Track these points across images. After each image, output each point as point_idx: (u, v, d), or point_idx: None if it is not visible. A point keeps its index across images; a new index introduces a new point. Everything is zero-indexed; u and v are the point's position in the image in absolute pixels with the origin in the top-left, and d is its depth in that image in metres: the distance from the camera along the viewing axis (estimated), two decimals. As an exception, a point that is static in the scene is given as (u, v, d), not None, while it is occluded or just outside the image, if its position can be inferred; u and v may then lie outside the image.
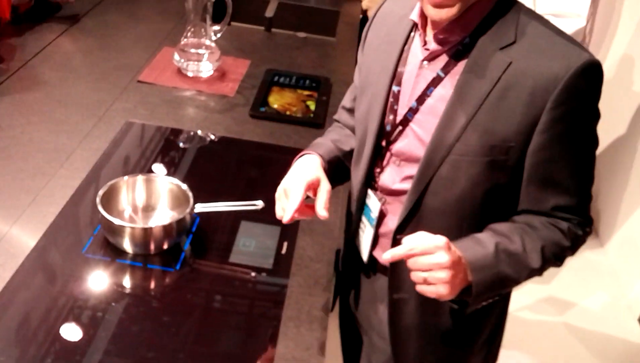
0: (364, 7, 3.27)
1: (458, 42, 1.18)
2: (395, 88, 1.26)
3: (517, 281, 1.20)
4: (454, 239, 1.14)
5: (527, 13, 1.17)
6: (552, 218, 1.22)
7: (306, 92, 2.25)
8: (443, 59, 1.20)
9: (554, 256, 1.22)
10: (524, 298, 2.86)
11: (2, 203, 1.56)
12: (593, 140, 1.20)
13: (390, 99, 1.27)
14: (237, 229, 1.55)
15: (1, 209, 1.54)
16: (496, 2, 1.16)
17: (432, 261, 1.09)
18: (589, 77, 1.12)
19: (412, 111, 1.23)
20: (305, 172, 1.29)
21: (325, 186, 1.27)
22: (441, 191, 1.20)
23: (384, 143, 1.29)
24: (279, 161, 1.90)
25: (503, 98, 1.13)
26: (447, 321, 1.33)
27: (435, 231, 1.12)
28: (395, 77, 1.27)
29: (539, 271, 1.21)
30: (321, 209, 1.23)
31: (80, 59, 2.30)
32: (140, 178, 1.56)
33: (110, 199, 1.49)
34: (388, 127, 1.27)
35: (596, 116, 1.18)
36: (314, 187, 1.27)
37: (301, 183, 1.25)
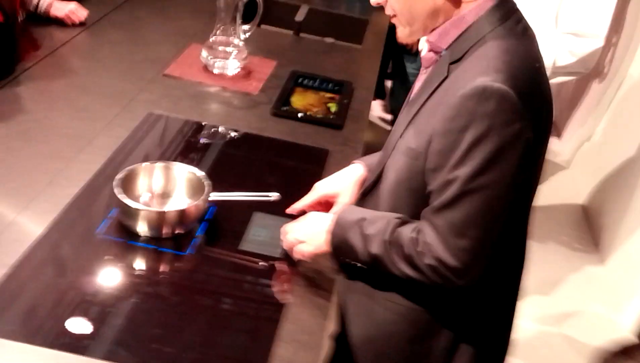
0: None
1: (441, 51, 1.24)
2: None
3: (357, 255, 1.29)
4: None
5: (495, 36, 1.17)
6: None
7: (328, 95, 2.26)
8: (432, 67, 1.28)
9: (400, 258, 1.23)
10: (524, 309, 2.85)
11: (20, 182, 1.58)
12: (477, 166, 1.12)
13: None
14: (250, 219, 1.56)
15: (19, 188, 1.56)
16: (476, 21, 1.19)
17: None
18: (478, 99, 1.10)
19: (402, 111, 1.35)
20: (330, 184, 1.50)
21: (342, 201, 1.46)
22: (385, 179, 1.31)
23: None
24: (296, 158, 1.91)
25: (429, 108, 1.21)
26: (391, 313, 1.34)
27: (382, 209, 1.31)
28: None
29: (378, 259, 1.26)
30: None
31: (108, 51, 2.33)
32: (158, 165, 1.58)
33: (127, 184, 1.51)
34: None
35: (485, 141, 1.10)
36: (329, 199, 1.48)
37: (317, 193, 1.49)
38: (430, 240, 1.19)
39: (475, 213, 1.15)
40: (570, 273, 3.18)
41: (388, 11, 1.27)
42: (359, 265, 1.32)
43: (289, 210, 1.51)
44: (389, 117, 3.93)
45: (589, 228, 3.51)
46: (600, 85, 3.82)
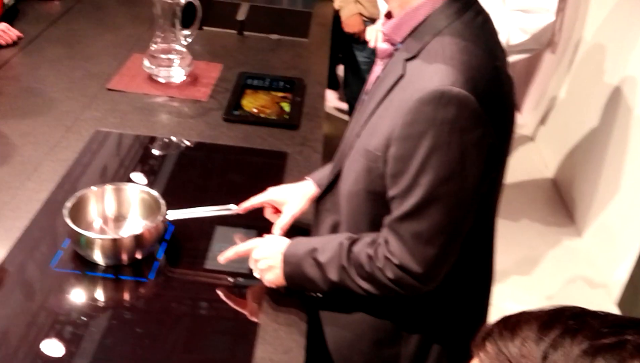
0: (336, 7, 3.24)
1: (396, 44, 1.20)
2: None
3: (317, 285, 1.27)
4: (351, 228, 1.26)
5: (452, 32, 1.12)
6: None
7: (280, 94, 2.20)
8: (387, 59, 1.24)
9: (362, 278, 1.21)
10: (505, 290, 2.85)
11: (-35, 219, 1.50)
12: (439, 174, 1.09)
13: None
14: (212, 234, 1.50)
15: (-35, 225, 1.48)
16: (431, 14, 1.14)
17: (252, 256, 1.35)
18: (436, 105, 1.06)
19: (359, 105, 1.32)
20: (281, 192, 1.49)
21: (289, 210, 1.45)
22: (344, 179, 1.27)
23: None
24: (253, 164, 1.86)
25: (386, 108, 1.15)
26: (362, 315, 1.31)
27: (342, 212, 1.28)
28: None
29: (340, 284, 1.23)
30: (276, 228, 1.43)
31: (47, 69, 2.23)
32: (109, 188, 1.51)
33: (78, 211, 1.44)
34: None
35: (446, 148, 1.07)
36: (276, 205, 1.49)
37: (266, 196, 1.50)
38: (395, 250, 1.16)
39: (440, 220, 1.12)
40: (547, 249, 3.17)
41: None
42: (316, 295, 1.30)
43: (238, 208, 1.50)
44: (345, 106, 3.89)
45: (562, 201, 3.51)
46: (554, 55, 3.83)
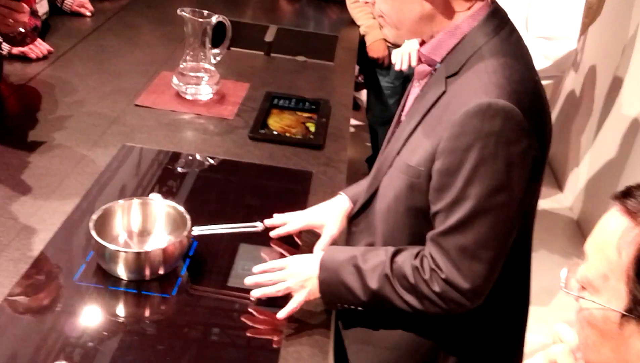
0: (362, 33, 3.25)
1: (435, 64, 1.20)
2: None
3: (355, 293, 1.23)
4: (387, 245, 1.23)
5: (491, 49, 1.13)
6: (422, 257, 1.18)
7: (306, 115, 2.20)
8: (426, 79, 1.24)
9: (405, 289, 1.18)
10: (528, 322, 2.79)
11: (-10, 229, 1.49)
12: (488, 185, 1.08)
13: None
14: (236, 252, 1.49)
15: (-10, 235, 1.47)
16: (469, 32, 1.15)
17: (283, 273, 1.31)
18: (482, 117, 1.06)
19: (397, 124, 1.32)
20: (317, 214, 1.48)
21: (328, 231, 1.44)
22: (382, 197, 1.26)
23: None
24: (279, 182, 1.85)
25: (428, 124, 1.15)
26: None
27: (377, 232, 1.26)
28: None
29: (379, 294, 1.20)
30: (317, 249, 1.41)
31: (76, 84, 2.25)
32: (135, 202, 1.50)
33: (104, 225, 1.43)
34: None
35: (493, 160, 1.07)
36: (315, 229, 1.48)
37: (303, 222, 1.48)
38: (441, 265, 1.13)
39: (486, 234, 1.10)
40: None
41: (376, 12, 1.22)
42: (353, 307, 1.26)
43: (272, 233, 1.49)
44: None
45: (579, 230, 3.46)
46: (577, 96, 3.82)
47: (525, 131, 1.08)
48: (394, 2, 1.17)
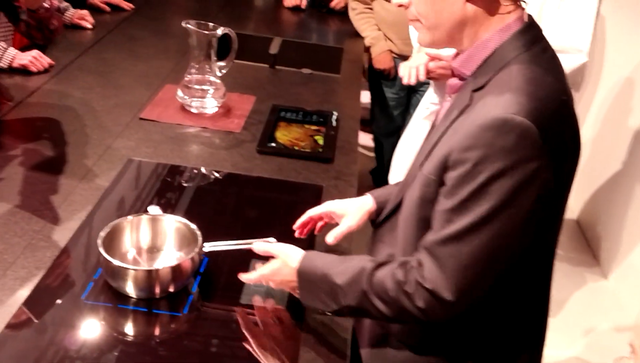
0: (367, 44, 3.23)
1: (466, 78, 1.18)
2: None
3: (333, 308, 1.21)
4: (406, 254, 1.20)
5: (519, 64, 1.09)
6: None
7: (314, 127, 2.16)
8: (456, 94, 1.21)
9: (384, 302, 1.15)
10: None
11: (-5, 246, 1.45)
12: (493, 203, 1.05)
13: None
14: (248, 268, 1.44)
15: (-6, 253, 1.43)
16: (500, 46, 1.12)
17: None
18: (497, 132, 1.02)
19: (427, 138, 1.29)
20: (340, 204, 1.46)
21: (346, 222, 1.42)
22: (404, 209, 1.24)
23: None
24: (289, 197, 1.80)
25: (448, 135, 1.13)
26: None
27: (398, 244, 1.25)
28: None
29: (358, 310, 1.19)
30: (330, 236, 1.40)
31: (79, 97, 2.21)
32: (145, 218, 1.46)
33: (112, 241, 1.39)
34: None
35: (503, 178, 1.03)
36: (334, 217, 1.46)
37: (325, 208, 1.47)
38: (429, 274, 1.10)
39: (481, 249, 1.07)
40: (574, 290, 3.08)
41: (411, 15, 1.18)
42: (329, 313, 1.25)
43: (295, 226, 1.50)
44: (370, 144, 3.85)
45: (586, 241, 3.43)
46: (578, 93, 3.79)
47: (539, 151, 1.03)
48: (435, 3, 1.13)
